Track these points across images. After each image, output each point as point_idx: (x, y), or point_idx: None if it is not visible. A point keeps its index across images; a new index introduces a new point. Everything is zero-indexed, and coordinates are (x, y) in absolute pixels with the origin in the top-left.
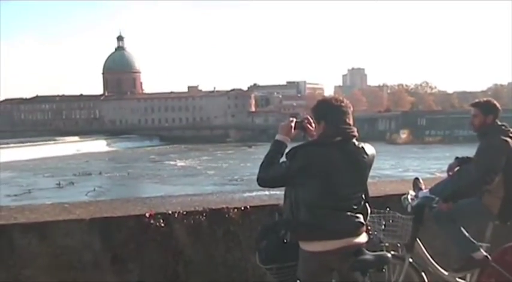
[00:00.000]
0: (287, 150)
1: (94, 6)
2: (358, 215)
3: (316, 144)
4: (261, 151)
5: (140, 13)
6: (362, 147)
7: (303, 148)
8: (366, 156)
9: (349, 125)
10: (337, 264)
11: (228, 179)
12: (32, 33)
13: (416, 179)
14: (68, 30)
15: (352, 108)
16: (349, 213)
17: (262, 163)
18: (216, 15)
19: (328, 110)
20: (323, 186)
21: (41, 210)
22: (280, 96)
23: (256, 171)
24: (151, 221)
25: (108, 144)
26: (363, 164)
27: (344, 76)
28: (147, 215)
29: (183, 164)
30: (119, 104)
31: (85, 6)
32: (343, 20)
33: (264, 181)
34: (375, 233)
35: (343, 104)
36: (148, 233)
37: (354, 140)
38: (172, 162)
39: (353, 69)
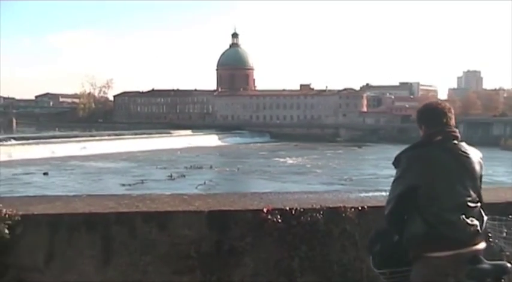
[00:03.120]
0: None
1: (210, 4)
2: (472, 219)
3: (417, 146)
4: (370, 152)
5: (255, 10)
6: (463, 147)
7: (404, 152)
8: (468, 155)
9: (449, 125)
10: (452, 270)
11: (337, 178)
12: (149, 28)
13: None
14: (184, 27)
15: (453, 112)
16: (462, 217)
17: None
18: (331, 13)
19: (427, 113)
20: (429, 188)
21: (161, 200)
22: (393, 97)
23: (365, 172)
24: (269, 216)
25: (219, 139)
26: (467, 163)
27: (459, 78)
28: (265, 210)
29: (292, 161)
30: (231, 100)
31: (202, 3)
32: (460, 21)
33: (387, 216)
34: (496, 241)
35: (441, 107)
36: (265, 227)
37: (455, 141)
38: (281, 160)
39: (468, 71)
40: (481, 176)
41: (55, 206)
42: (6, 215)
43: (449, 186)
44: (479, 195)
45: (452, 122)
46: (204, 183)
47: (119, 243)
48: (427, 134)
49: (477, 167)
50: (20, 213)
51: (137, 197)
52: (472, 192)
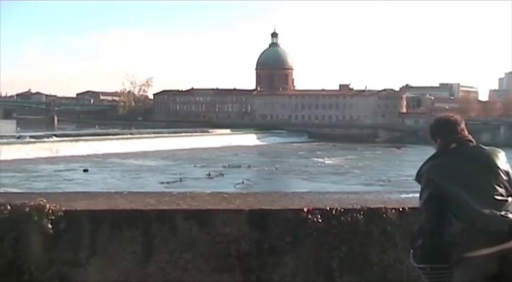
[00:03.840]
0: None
1: (250, 3)
2: (506, 213)
3: (434, 156)
4: (409, 153)
5: (294, 10)
6: (480, 147)
7: (424, 165)
8: (486, 153)
9: (463, 132)
10: (495, 269)
11: (376, 179)
12: (189, 28)
13: None
14: (224, 26)
15: (463, 123)
16: (495, 212)
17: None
18: (370, 13)
19: (441, 125)
20: (455, 192)
21: (201, 198)
22: (432, 98)
23: (404, 173)
24: (309, 216)
25: (258, 138)
26: (487, 161)
27: (500, 80)
28: (305, 209)
29: (330, 161)
30: (270, 99)
31: (242, 3)
32: (502, 21)
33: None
34: None
35: (454, 119)
36: (305, 227)
37: (470, 144)
38: (320, 160)
39: (510, 72)
40: (508, 172)
41: (97, 203)
42: (50, 211)
43: (474, 186)
44: (507, 190)
45: (465, 131)
46: (242, 182)
47: (159, 240)
48: (443, 144)
49: (499, 163)
50: (63, 209)
51: (178, 195)
52: (498, 188)
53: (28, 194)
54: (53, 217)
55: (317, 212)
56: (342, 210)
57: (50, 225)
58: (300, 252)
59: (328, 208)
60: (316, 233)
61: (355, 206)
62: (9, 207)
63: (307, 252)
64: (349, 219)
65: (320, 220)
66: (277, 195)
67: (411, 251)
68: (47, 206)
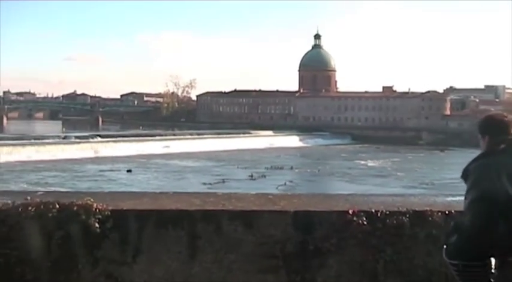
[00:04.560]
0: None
1: (293, 4)
2: None
3: (483, 155)
4: (453, 156)
5: (337, 12)
6: None
7: (471, 164)
8: None
9: None
10: None
11: (419, 182)
12: (232, 29)
13: None
14: (267, 28)
15: None
16: None
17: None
18: (413, 14)
19: (494, 124)
20: (502, 192)
21: (246, 199)
22: (477, 100)
23: (448, 176)
24: (354, 218)
25: (300, 140)
26: None
27: None
28: (350, 211)
29: (373, 164)
30: (313, 101)
31: (284, 4)
32: None
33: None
34: None
35: (507, 119)
36: (350, 229)
37: None
38: (362, 162)
39: None
40: None
41: (143, 202)
42: (97, 210)
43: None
44: None
45: None
46: (285, 183)
47: (204, 240)
48: (492, 143)
49: None
50: (110, 208)
51: (223, 196)
52: None
53: (76, 193)
54: (99, 216)
55: (362, 214)
56: (387, 212)
57: (97, 224)
58: (344, 254)
59: (373, 210)
60: (361, 235)
61: (400, 209)
62: (57, 206)
63: (351, 254)
64: (395, 221)
65: (365, 222)
66: (322, 196)
67: (444, 246)
68: (94, 205)
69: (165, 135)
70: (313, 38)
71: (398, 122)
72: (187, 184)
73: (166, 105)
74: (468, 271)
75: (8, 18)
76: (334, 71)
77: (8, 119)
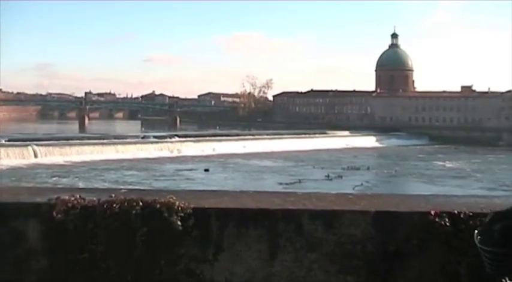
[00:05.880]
0: None
1: (369, 4)
2: None
3: None
4: None
5: (414, 11)
6: None
7: None
8: None
9: None
10: None
11: (499, 184)
12: (309, 31)
13: None
14: (344, 27)
15: None
16: None
17: None
18: (491, 12)
19: None
20: None
21: (327, 199)
22: None
23: None
24: (436, 219)
25: (377, 140)
26: None
27: None
28: (432, 212)
29: (451, 165)
30: (390, 101)
31: (361, 3)
32: None
33: None
34: None
35: None
36: (432, 230)
37: None
38: (440, 163)
39: None
40: None
41: (224, 201)
42: (179, 208)
43: None
44: None
45: None
46: (361, 184)
47: (285, 239)
48: None
49: None
50: (192, 206)
51: (303, 195)
52: None
53: (158, 191)
54: (182, 214)
55: (444, 215)
56: (471, 214)
57: (179, 222)
58: (426, 255)
59: (456, 211)
60: (444, 236)
61: (484, 210)
62: (141, 204)
63: (433, 255)
64: (478, 223)
65: (448, 223)
66: (402, 197)
67: (480, 231)
68: (177, 203)
69: (243, 135)
70: (390, 38)
71: (478, 122)
72: (263, 184)
73: (243, 105)
74: (508, 260)
75: (88, 21)
76: (412, 70)
77: (89, 119)
